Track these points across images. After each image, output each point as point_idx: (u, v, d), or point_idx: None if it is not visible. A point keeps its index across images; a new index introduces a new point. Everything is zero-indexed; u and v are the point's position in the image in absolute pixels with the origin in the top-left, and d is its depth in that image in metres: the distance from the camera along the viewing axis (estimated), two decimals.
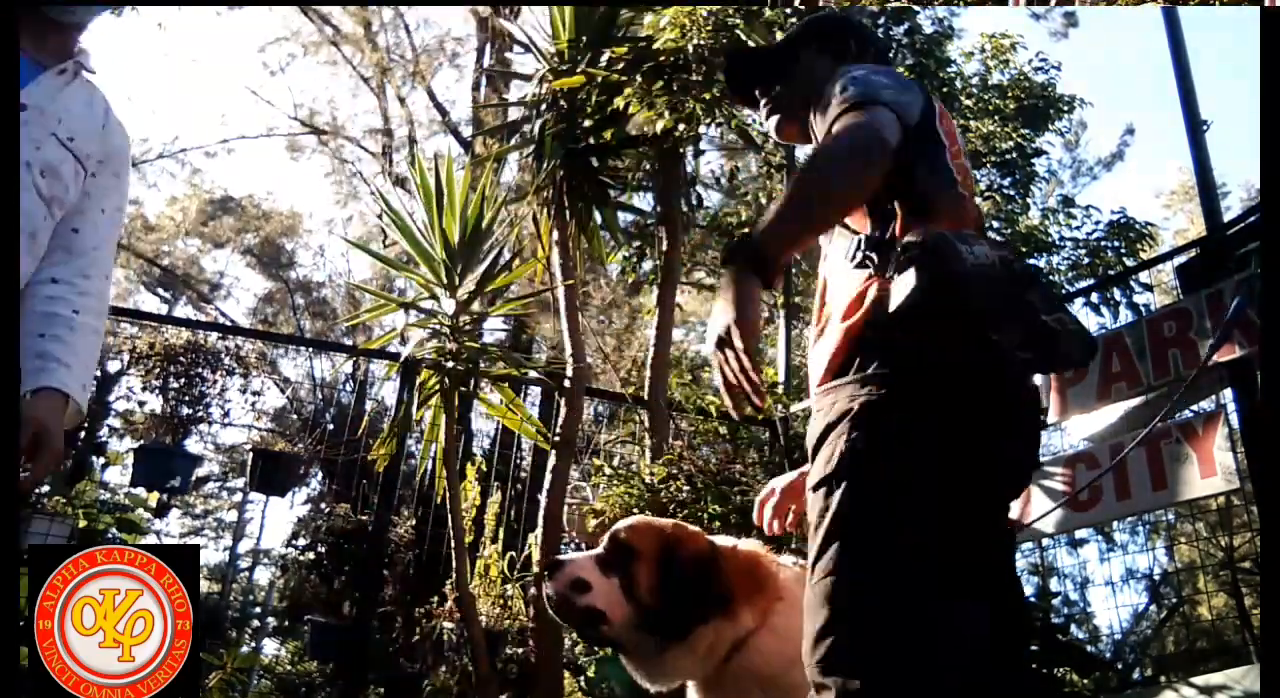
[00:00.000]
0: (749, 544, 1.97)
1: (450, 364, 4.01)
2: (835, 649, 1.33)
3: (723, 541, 1.96)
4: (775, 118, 1.88)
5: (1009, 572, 1.51)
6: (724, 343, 1.35)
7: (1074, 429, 3.82)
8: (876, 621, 1.32)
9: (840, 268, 1.57)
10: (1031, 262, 5.51)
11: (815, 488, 1.43)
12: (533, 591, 4.37)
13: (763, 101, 1.90)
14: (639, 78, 4.55)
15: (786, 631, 1.72)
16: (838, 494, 1.38)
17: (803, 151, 1.99)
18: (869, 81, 1.56)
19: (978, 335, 1.37)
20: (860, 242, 1.48)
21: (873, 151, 1.45)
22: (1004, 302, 1.37)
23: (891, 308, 1.38)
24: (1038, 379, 3.83)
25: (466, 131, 12.75)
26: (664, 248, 5.22)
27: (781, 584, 1.85)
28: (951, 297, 1.35)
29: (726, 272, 1.38)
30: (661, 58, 4.60)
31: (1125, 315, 4.37)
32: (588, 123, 4.90)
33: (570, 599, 1.89)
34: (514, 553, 4.75)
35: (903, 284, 1.37)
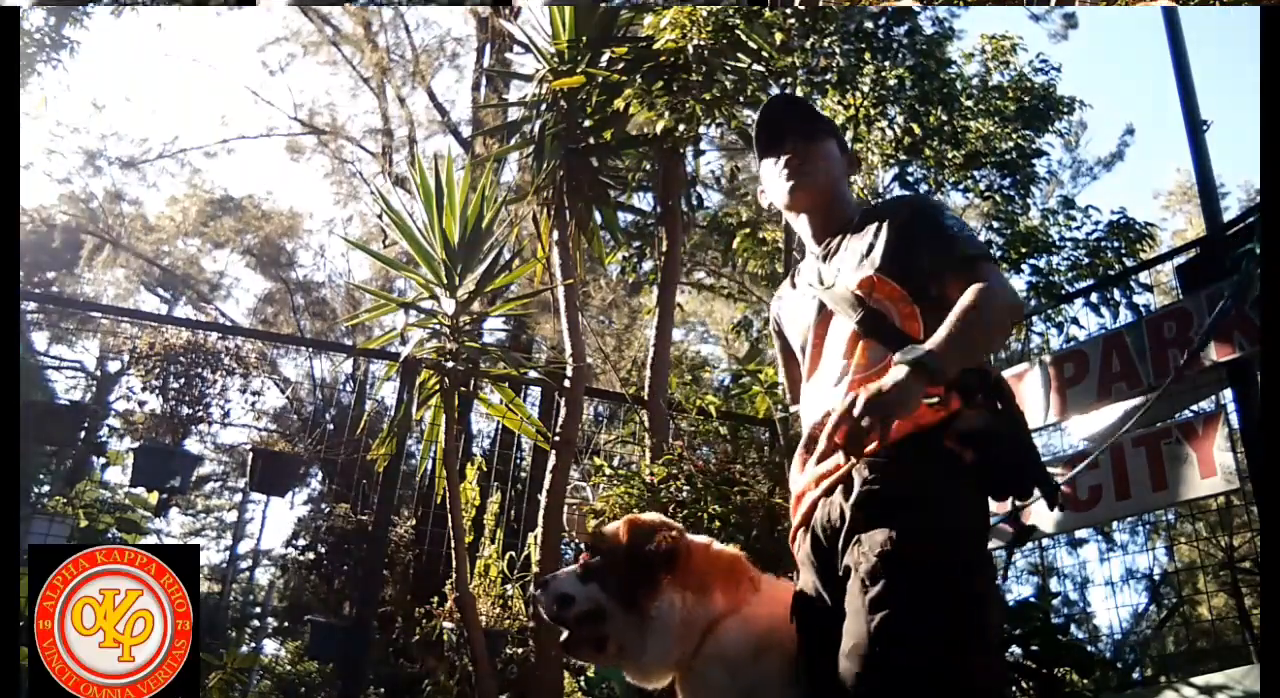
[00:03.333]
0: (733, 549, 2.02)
1: (450, 364, 4.01)
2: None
3: (700, 539, 2.00)
4: (794, 180, 1.98)
5: None
6: (880, 410, 1.56)
7: (1074, 429, 3.82)
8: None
9: (848, 315, 1.83)
10: (1031, 262, 5.51)
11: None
12: (532, 590, 4.37)
13: (788, 155, 1.99)
14: (639, 78, 4.55)
15: (756, 620, 1.82)
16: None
17: (775, 198, 2.08)
18: (965, 227, 1.89)
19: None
20: (891, 330, 1.78)
21: (1014, 319, 1.84)
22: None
23: (969, 426, 1.70)
24: (1038, 383, 3.84)
25: (466, 131, 12.75)
26: (664, 248, 5.22)
27: (759, 581, 1.91)
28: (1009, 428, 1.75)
29: (908, 368, 1.60)
30: (661, 58, 4.60)
31: (1125, 315, 4.37)
32: (588, 123, 4.91)
33: (562, 617, 1.95)
34: (514, 553, 4.75)
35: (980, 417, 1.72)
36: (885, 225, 1.88)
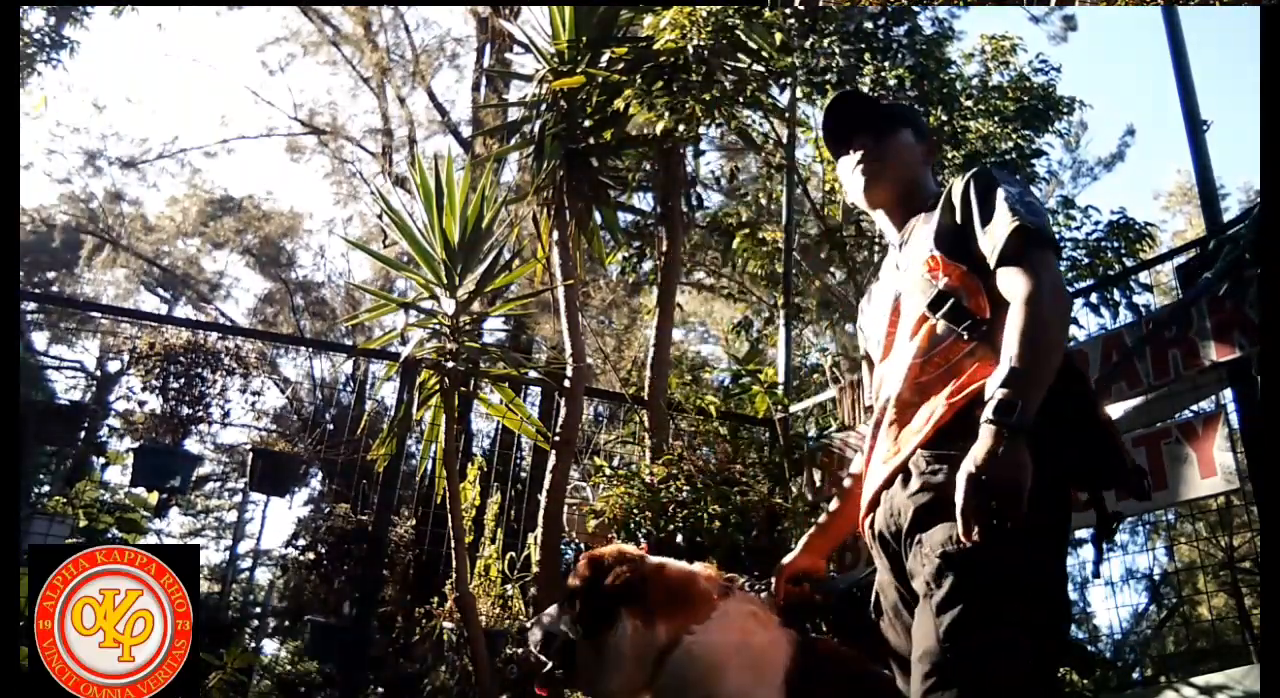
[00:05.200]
0: (696, 567, 2.05)
1: (450, 364, 4.00)
2: None
3: (655, 562, 2.04)
4: (866, 178, 1.95)
5: None
6: (1008, 502, 1.48)
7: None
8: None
9: (917, 298, 1.79)
10: None
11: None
12: (533, 591, 4.38)
13: (858, 151, 1.97)
14: (639, 78, 4.55)
15: (708, 643, 1.85)
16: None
17: (852, 197, 2.05)
18: (1038, 208, 1.73)
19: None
20: (956, 309, 1.72)
21: (1070, 310, 1.76)
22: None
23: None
24: None
25: (466, 132, 12.75)
26: (664, 248, 5.22)
27: (714, 601, 1.93)
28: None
29: (997, 430, 1.51)
30: (661, 58, 4.60)
31: (1125, 315, 4.36)
32: (588, 123, 4.90)
33: (548, 655, 2.04)
34: (514, 553, 4.75)
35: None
36: (943, 201, 1.82)
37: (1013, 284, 1.65)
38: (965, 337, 1.70)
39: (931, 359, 1.73)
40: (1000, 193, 1.73)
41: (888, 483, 1.74)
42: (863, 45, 4.87)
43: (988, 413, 1.52)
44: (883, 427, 1.80)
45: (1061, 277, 1.73)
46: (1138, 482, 1.69)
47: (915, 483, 1.64)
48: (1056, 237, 1.74)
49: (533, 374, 5.25)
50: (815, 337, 10.08)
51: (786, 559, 2.08)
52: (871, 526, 1.79)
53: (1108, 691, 3.63)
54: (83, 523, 4.62)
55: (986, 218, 1.72)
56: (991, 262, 1.69)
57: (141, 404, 5.22)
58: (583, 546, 4.35)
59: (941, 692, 1.50)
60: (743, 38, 4.58)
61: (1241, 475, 3.16)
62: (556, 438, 4.45)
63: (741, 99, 4.82)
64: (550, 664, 2.03)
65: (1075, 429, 1.63)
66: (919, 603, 1.60)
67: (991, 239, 1.70)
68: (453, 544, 4.00)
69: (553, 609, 2.08)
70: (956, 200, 1.79)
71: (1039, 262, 1.66)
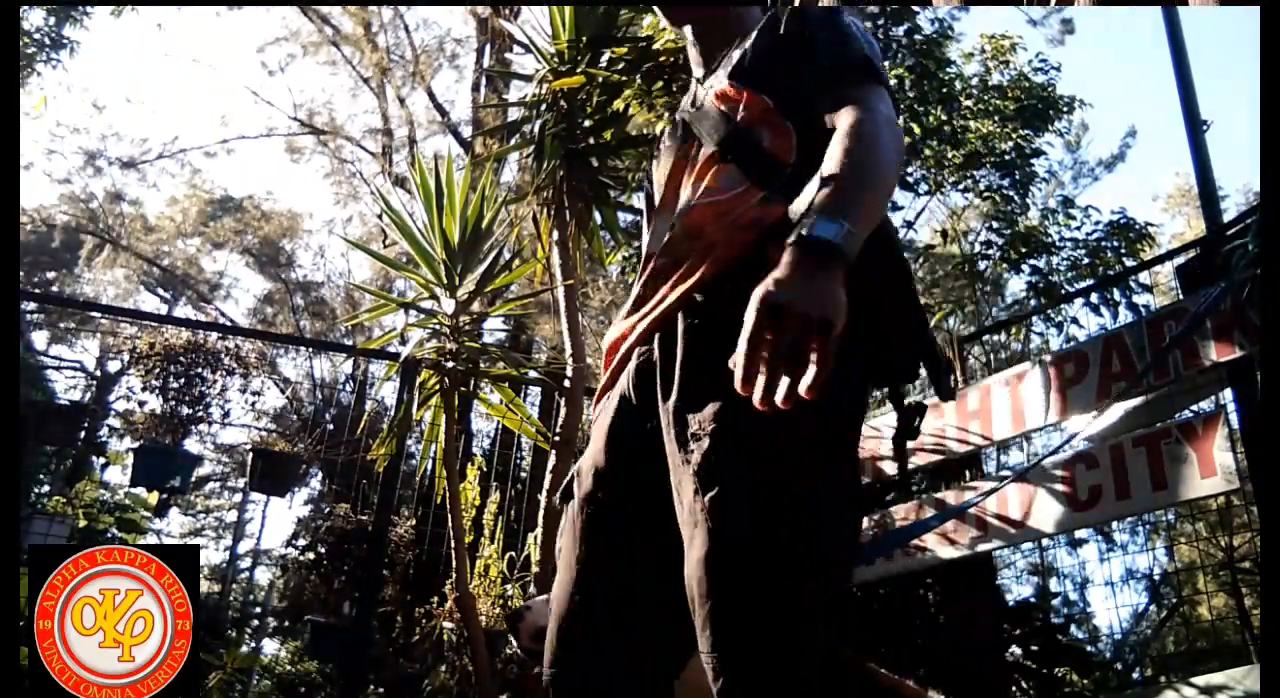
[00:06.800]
0: None
1: (450, 364, 4.01)
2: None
3: None
4: None
5: None
6: (817, 347, 1.05)
7: (1074, 429, 3.82)
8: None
9: (709, 137, 1.42)
10: (1031, 262, 5.52)
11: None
12: (533, 591, 4.37)
13: None
14: (639, 78, 4.55)
15: None
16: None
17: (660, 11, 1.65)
18: (876, 51, 1.41)
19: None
20: (751, 150, 1.36)
21: (903, 154, 1.39)
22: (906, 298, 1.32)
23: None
24: (1038, 383, 3.83)
25: (466, 132, 12.75)
26: None
27: None
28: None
29: (812, 254, 1.11)
30: (661, 58, 4.60)
31: (1125, 315, 4.37)
32: (588, 123, 4.90)
33: (539, 651, 1.92)
34: (514, 553, 4.75)
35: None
36: (764, 23, 1.47)
37: (847, 112, 1.29)
38: (759, 184, 1.32)
39: (716, 205, 1.35)
40: (845, 20, 1.41)
41: (643, 338, 1.38)
42: None
43: (798, 232, 1.12)
44: (643, 278, 1.42)
45: (899, 130, 1.35)
46: (947, 380, 1.32)
47: (682, 340, 1.28)
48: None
49: (533, 374, 5.25)
50: None
51: None
52: (607, 405, 1.42)
53: (1108, 691, 3.63)
54: (83, 523, 4.63)
55: (830, 44, 1.38)
56: (825, 87, 1.35)
57: (141, 404, 5.22)
58: None
59: (720, 601, 1.16)
60: None
61: (1241, 475, 3.15)
62: (556, 438, 4.45)
63: None
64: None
65: (893, 303, 1.28)
66: (681, 491, 1.23)
67: (834, 61, 1.36)
68: (453, 544, 4.00)
69: (543, 599, 1.96)
70: (772, 24, 1.45)
71: (882, 98, 1.33)
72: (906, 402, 1.33)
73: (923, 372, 1.32)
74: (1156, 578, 11.96)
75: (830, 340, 1.04)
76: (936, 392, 1.32)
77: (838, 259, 1.10)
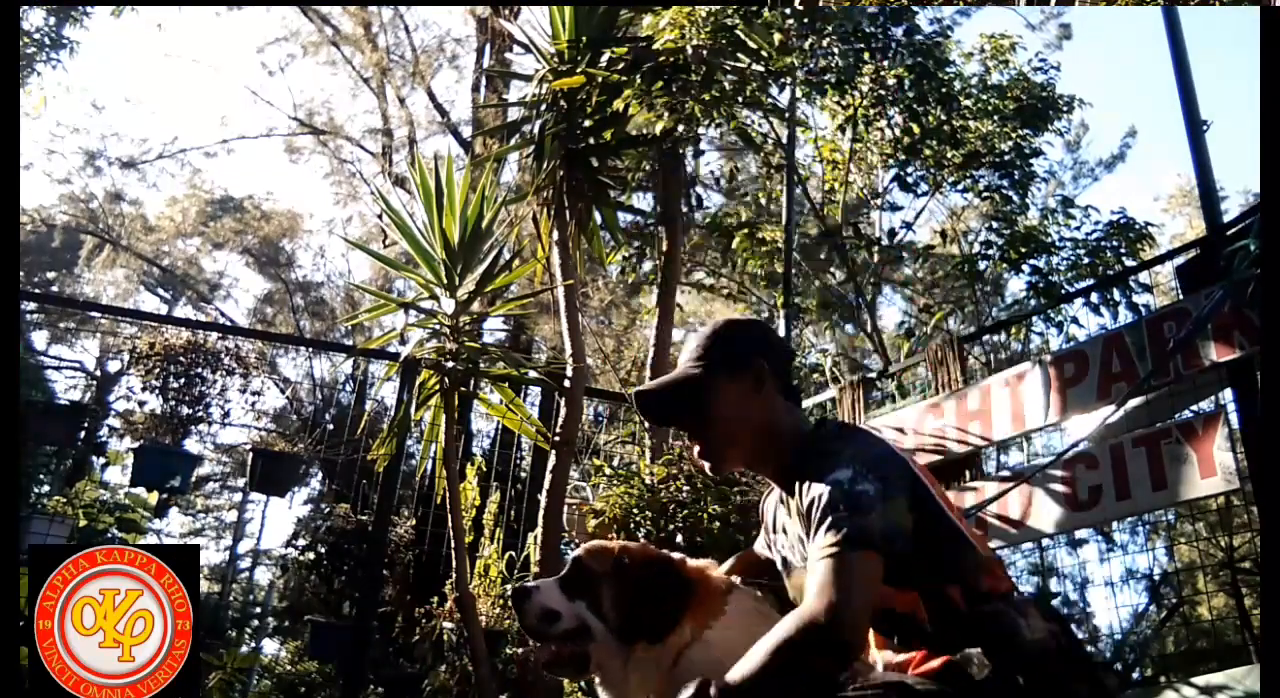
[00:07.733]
0: (700, 562, 1.99)
1: (450, 364, 4.01)
2: None
3: (675, 558, 1.97)
4: (709, 461, 1.88)
5: None
6: None
7: (1074, 429, 3.82)
8: None
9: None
10: (1031, 262, 5.51)
11: None
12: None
13: (686, 434, 1.92)
14: (639, 78, 4.55)
15: (722, 642, 1.76)
16: None
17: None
18: (860, 503, 1.56)
19: None
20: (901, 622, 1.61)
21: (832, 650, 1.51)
22: (1052, 683, 1.52)
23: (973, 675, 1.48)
24: (1038, 383, 3.83)
25: (466, 132, 12.75)
26: (664, 248, 5.22)
27: (724, 599, 1.88)
28: (1013, 670, 1.50)
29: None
30: (661, 58, 4.60)
31: (1125, 315, 4.36)
32: (588, 123, 4.90)
33: (543, 632, 1.90)
34: (514, 553, 4.75)
35: (977, 661, 1.50)
36: (802, 510, 1.69)
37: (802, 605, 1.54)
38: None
39: None
40: (833, 513, 1.57)
41: None
42: (862, 45, 4.88)
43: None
44: None
45: (849, 611, 1.50)
46: None
47: None
48: (884, 520, 1.56)
49: (532, 374, 5.25)
50: (815, 337, 10.08)
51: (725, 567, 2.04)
52: None
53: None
54: (83, 523, 4.62)
55: (817, 537, 1.59)
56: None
57: (141, 404, 5.23)
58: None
59: None
60: (742, 38, 4.59)
61: (1241, 475, 3.15)
62: (556, 438, 4.45)
63: (741, 99, 4.82)
64: (558, 650, 1.89)
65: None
66: None
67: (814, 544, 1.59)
68: (453, 544, 4.00)
69: (550, 582, 1.94)
70: (803, 516, 1.69)
71: (836, 587, 1.51)
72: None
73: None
74: (1156, 578, 11.96)
75: None
76: None
77: None
